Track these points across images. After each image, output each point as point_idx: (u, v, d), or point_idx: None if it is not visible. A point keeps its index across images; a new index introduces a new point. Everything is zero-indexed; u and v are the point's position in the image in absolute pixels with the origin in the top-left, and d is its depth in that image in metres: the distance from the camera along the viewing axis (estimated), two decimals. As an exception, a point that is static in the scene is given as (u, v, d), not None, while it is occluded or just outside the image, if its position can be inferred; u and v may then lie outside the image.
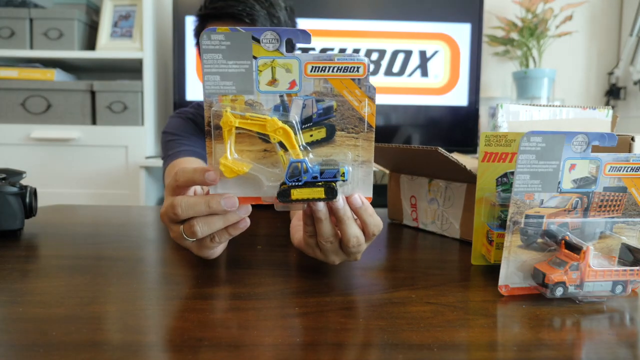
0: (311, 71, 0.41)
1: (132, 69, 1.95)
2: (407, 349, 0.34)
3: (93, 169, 1.80)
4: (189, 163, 0.90)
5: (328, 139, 0.42)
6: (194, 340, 0.35)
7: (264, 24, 0.88)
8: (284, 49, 0.40)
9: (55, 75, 1.80)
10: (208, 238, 0.45)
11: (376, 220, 0.45)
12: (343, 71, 0.41)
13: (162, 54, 1.97)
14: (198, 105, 1.07)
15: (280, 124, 0.41)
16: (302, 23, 1.89)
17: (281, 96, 0.41)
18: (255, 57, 0.40)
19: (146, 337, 0.36)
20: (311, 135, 0.42)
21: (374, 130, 0.43)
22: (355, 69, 0.41)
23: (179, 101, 1.89)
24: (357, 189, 0.44)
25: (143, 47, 1.81)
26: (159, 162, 1.80)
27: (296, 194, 0.41)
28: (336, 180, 0.42)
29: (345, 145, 0.43)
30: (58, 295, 0.43)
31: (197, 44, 0.98)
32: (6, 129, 1.77)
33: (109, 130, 1.78)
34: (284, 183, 0.41)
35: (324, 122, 0.42)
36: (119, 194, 1.80)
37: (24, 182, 0.68)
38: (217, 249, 0.48)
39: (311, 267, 0.52)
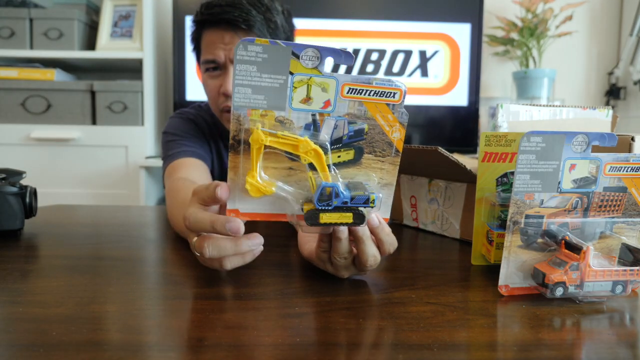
0: (348, 93, 0.40)
1: (132, 69, 1.94)
2: (407, 349, 0.34)
3: (93, 169, 1.79)
4: (190, 163, 0.89)
5: (355, 161, 0.42)
6: (194, 340, 0.35)
7: (260, 29, 0.87)
8: (323, 67, 0.40)
9: (55, 75, 1.80)
10: (217, 262, 0.44)
11: (392, 239, 0.46)
12: (379, 95, 0.41)
13: (162, 54, 1.97)
14: (199, 107, 1.07)
15: (312, 145, 0.40)
16: (302, 23, 1.89)
17: (313, 115, 0.41)
18: (291, 73, 0.39)
19: (146, 337, 0.36)
20: (339, 157, 0.42)
21: (400, 154, 0.43)
22: (392, 94, 0.41)
23: (179, 101, 1.89)
24: (376, 209, 0.44)
25: (143, 47, 1.81)
26: (159, 162, 1.80)
27: (325, 218, 0.41)
28: (366, 207, 0.41)
29: (370, 168, 0.43)
30: (58, 295, 0.43)
31: (195, 49, 0.97)
32: (6, 129, 1.76)
33: (109, 130, 1.78)
34: (308, 202, 0.41)
35: (353, 144, 0.42)
36: (119, 194, 1.80)
37: (24, 182, 0.68)
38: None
39: (311, 267, 0.52)
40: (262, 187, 0.41)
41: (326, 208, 0.40)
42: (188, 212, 0.43)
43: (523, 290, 0.45)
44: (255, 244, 0.43)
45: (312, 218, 0.41)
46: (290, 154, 0.41)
